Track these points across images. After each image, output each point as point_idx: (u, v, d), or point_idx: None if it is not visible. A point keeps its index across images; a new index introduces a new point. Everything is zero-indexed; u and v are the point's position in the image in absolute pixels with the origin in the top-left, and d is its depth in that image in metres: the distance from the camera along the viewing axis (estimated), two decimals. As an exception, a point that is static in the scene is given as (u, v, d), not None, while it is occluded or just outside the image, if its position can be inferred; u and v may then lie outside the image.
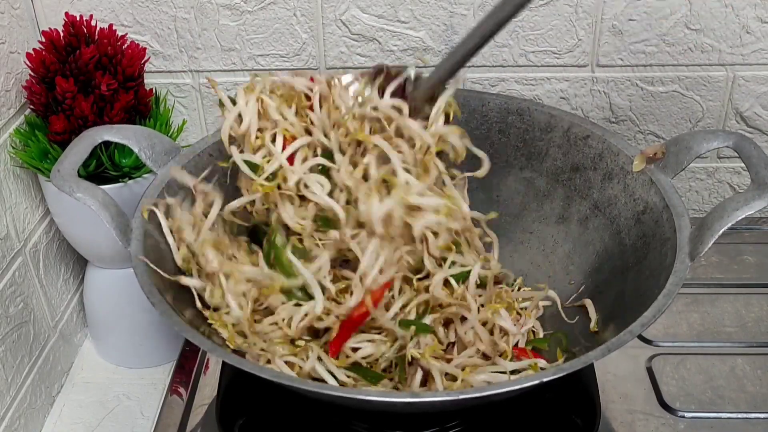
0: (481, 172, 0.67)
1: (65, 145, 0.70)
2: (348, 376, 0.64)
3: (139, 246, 0.64)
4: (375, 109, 0.64)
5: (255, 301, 0.65)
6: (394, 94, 0.65)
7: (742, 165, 0.72)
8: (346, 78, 0.69)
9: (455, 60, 0.62)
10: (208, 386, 0.75)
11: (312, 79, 0.68)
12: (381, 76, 0.67)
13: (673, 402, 0.71)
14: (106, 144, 0.74)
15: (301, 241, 0.65)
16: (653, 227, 0.68)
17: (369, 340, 0.65)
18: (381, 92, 0.66)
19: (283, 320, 0.64)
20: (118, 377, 0.88)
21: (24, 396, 0.79)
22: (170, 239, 0.68)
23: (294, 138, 0.66)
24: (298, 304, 0.64)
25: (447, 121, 0.66)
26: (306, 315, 0.63)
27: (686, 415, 0.70)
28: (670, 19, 0.86)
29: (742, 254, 0.89)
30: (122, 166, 0.78)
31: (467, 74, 0.89)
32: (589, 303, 0.71)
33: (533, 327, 0.72)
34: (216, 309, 0.66)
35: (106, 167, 0.77)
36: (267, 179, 0.65)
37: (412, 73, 0.67)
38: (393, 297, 0.65)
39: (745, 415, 0.70)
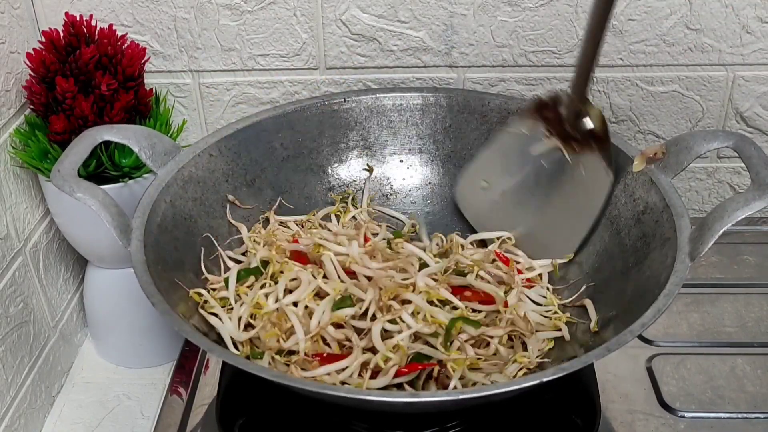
0: None
1: (65, 145, 0.70)
2: None
3: (139, 246, 0.64)
4: None
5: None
6: (558, 123, 0.75)
7: (742, 165, 0.72)
8: None
9: (582, 66, 0.71)
10: (208, 386, 0.75)
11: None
12: (545, 108, 0.76)
13: (673, 402, 0.71)
14: (106, 144, 0.74)
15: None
16: (653, 227, 0.68)
17: None
18: (551, 123, 0.75)
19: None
20: (118, 377, 0.88)
21: (24, 396, 0.79)
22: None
23: None
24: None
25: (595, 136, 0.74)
26: None
27: (686, 415, 0.70)
28: (670, 19, 0.86)
29: (742, 254, 0.89)
30: (122, 166, 0.78)
31: (467, 74, 0.89)
32: (588, 303, 0.71)
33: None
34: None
35: (106, 167, 0.77)
36: None
37: (559, 94, 0.75)
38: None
39: (745, 415, 0.70)
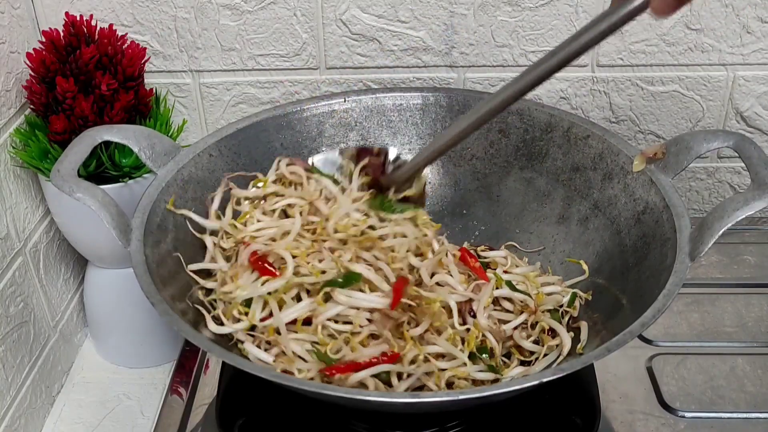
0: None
1: (65, 144, 0.70)
2: None
3: (139, 246, 0.64)
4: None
5: None
6: (374, 171, 0.76)
7: (742, 165, 0.72)
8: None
9: (433, 150, 0.70)
10: (208, 386, 0.75)
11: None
12: (365, 156, 0.77)
13: (673, 402, 0.71)
14: (106, 144, 0.74)
15: None
16: (653, 227, 0.68)
17: None
18: (362, 169, 0.76)
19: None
20: (118, 377, 0.88)
21: (24, 396, 0.79)
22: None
23: None
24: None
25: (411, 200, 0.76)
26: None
27: (686, 415, 0.70)
28: (670, 19, 0.86)
29: (742, 254, 0.89)
30: (122, 166, 0.78)
31: (468, 74, 0.89)
32: (584, 326, 0.70)
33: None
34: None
35: (106, 167, 0.77)
36: None
37: (392, 153, 0.78)
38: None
39: (745, 415, 0.70)
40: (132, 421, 0.83)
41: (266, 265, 0.67)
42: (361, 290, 0.66)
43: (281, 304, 0.66)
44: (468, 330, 0.66)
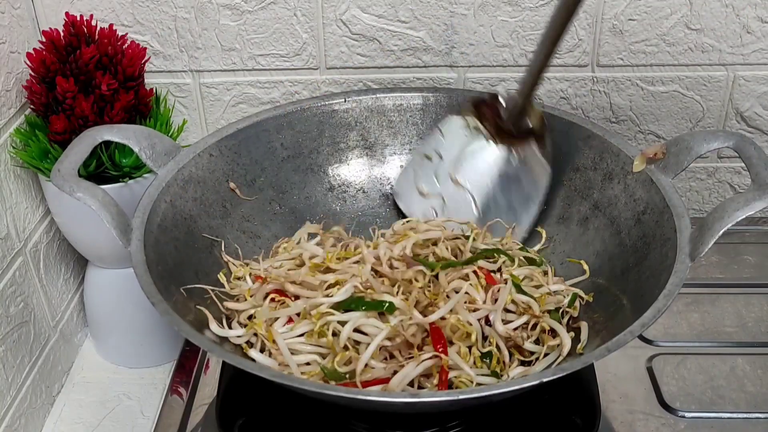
0: None
1: (65, 144, 0.70)
2: None
3: (139, 246, 0.64)
4: None
5: None
6: (493, 119, 0.80)
7: (743, 165, 0.72)
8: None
9: (533, 72, 0.73)
10: (208, 386, 0.75)
11: None
12: (483, 107, 0.81)
13: (673, 402, 0.71)
14: (107, 144, 0.74)
15: None
16: (653, 227, 0.68)
17: None
18: (486, 118, 0.81)
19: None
20: (118, 377, 0.88)
21: (24, 396, 0.79)
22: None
23: None
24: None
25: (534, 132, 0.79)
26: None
27: (686, 415, 0.70)
28: (670, 19, 0.86)
29: (742, 254, 0.89)
30: (122, 166, 0.78)
31: (467, 74, 0.89)
32: (584, 326, 0.69)
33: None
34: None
35: (107, 167, 0.77)
36: None
37: (500, 95, 0.80)
38: None
39: (745, 415, 0.70)
40: (132, 421, 0.83)
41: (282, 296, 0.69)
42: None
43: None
44: (485, 338, 0.66)
